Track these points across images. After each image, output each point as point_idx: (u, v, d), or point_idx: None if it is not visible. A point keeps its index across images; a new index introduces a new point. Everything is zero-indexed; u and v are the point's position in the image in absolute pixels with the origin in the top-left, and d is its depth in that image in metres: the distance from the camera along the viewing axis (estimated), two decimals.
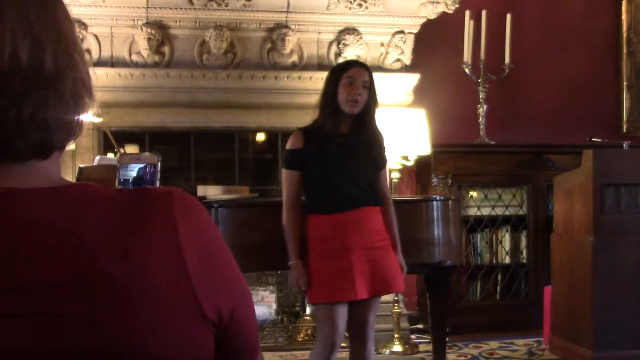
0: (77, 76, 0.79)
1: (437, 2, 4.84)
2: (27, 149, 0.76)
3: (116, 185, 0.94)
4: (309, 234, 3.00)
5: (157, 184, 0.96)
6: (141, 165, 0.96)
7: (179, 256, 0.75)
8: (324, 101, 3.05)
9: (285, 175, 3.06)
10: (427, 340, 4.44)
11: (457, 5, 4.88)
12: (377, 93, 3.08)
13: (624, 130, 5.69)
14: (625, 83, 5.70)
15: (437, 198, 3.65)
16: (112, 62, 4.60)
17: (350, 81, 2.99)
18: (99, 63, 4.55)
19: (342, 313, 2.96)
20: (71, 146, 0.85)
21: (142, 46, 4.59)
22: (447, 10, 4.87)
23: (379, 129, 3.13)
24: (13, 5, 0.74)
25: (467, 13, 5.07)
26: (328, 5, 4.73)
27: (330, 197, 2.98)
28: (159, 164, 0.98)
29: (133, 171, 0.96)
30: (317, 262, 2.95)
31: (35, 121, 0.75)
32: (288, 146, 3.06)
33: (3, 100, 0.73)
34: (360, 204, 2.98)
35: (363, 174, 3.02)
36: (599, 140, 4.44)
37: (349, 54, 4.76)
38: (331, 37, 4.85)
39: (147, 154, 0.99)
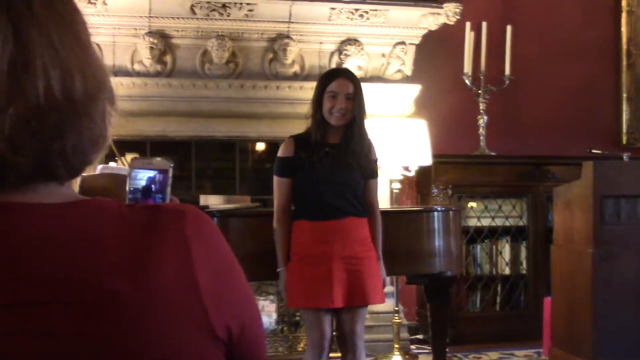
0: (106, 96, 0.80)
1: (438, 14, 4.87)
2: (68, 173, 0.77)
3: (127, 192, 0.93)
4: (293, 240, 3.03)
5: (168, 193, 0.94)
6: (151, 175, 0.93)
7: (191, 275, 0.75)
8: (312, 111, 3.08)
9: (276, 182, 3.12)
10: (427, 351, 4.45)
11: (457, 17, 4.90)
12: (364, 102, 3.06)
13: (624, 142, 5.70)
14: (625, 95, 5.72)
15: (438, 209, 3.66)
16: (115, 71, 4.60)
17: (332, 95, 3.01)
18: None
19: (326, 318, 2.99)
20: None
21: (145, 55, 4.60)
22: (447, 22, 4.89)
23: (369, 139, 3.11)
24: (35, 27, 0.73)
25: (468, 24, 5.10)
26: (330, 16, 4.75)
27: (315, 206, 3.00)
28: (171, 170, 0.93)
29: (143, 180, 0.92)
30: (296, 267, 2.99)
31: (76, 150, 0.76)
32: (279, 153, 3.11)
33: (45, 134, 0.73)
34: (345, 214, 3.00)
35: (349, 185, 3.03)
36: (599, 151, 4.45)
37: (351, 65, 4.78)
38: (333, 47, 4.87)
39: (159, 159, 0.94)
